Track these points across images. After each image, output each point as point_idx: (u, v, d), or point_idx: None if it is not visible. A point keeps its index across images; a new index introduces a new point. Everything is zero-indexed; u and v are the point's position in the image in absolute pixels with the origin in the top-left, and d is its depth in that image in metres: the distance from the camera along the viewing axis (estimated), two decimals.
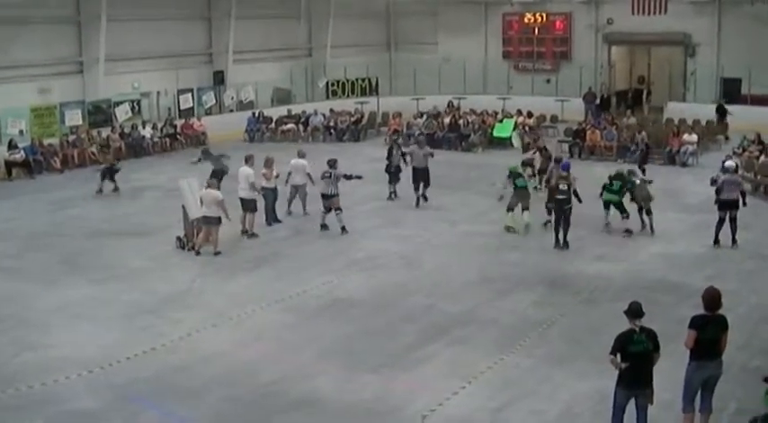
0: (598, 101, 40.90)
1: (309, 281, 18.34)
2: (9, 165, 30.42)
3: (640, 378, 10.62)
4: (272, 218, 23.04)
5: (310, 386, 13.18)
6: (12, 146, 30.54)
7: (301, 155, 23.91)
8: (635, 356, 10.55)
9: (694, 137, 31.83)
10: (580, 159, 32.09)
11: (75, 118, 34.05)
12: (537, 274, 18.56)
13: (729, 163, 22.05)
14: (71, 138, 32.95)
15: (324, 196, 22.37)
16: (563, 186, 20.89)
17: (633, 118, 35.85)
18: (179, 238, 21.02)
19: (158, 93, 37.77)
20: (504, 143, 34.56)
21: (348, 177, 22.75)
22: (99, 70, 34.84)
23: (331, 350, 14.64)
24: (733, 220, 20.35)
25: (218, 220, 20.25)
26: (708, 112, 36.85)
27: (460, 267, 19.25)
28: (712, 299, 10.94)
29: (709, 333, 10.85)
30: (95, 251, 20.89)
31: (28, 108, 32.49)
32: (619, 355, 10.58)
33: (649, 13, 40.47)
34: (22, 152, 30.72)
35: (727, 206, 20.37)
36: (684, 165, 30.31)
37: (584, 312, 16.30)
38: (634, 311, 10.70)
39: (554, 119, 39.57)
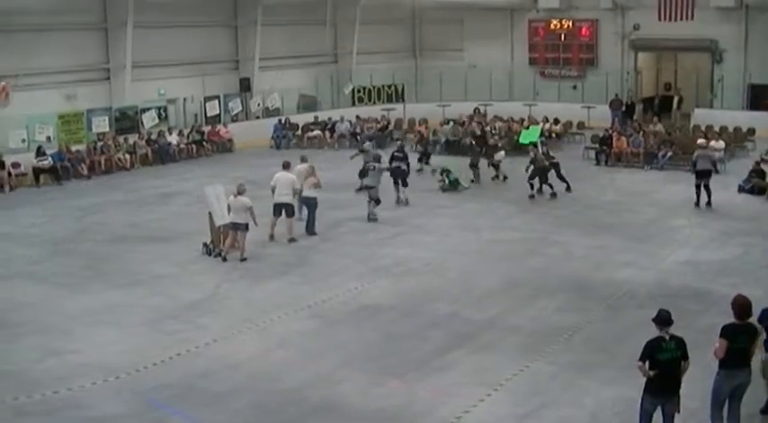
0: (624, 107, 40.77)
1: (335, 287, 18.34)
2: (37, 171, 30.61)
3: (668, 386, 10.52)
4: (313, 228, 22.95)
5: (335, 392, 13.16)
6: (40, 152, 30.75)
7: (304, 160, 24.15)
8: (663, 364, 10.45)
9: (721, 143, 31.60)
10: (607, 166, 32.01)
11: (102, 124, 34.24)
12: (562, 281, 18.47)
13: (701, 141, 28.17)
14: (98, 144, 33.16)
15: (368, 187, 24.16)
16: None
17: (660, 125, 35.67)
18: (205, 244, 21.09)
19: (185, 99, 37.91)
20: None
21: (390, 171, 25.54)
22: (126, 77, 34.98)
23: (356, 356, 14.62)
24: (707, 187, 25.05)
25: (246, 226, 20.34)
26: (735, 118, 36.67)
27: (485, 274, 19.18)
28: (742, 307, 10.81)
29: (739, 342, 10.73)
30: (121, 256, 20.98)
31: (55, 115, 32.73)
32: (647, 363, 10.49)
33: (676, 20, 40.06)
34: (50, 159, 30.92)
35: (701, 175, 25.09)
36: None
37: (610, 319, 16.19)
38: (663, 319, 10.60)
39: (581, 125, 39.39)
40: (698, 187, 25.12)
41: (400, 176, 26.16)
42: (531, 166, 27.14)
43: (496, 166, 29.80)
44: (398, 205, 25.92)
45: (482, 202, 26.58)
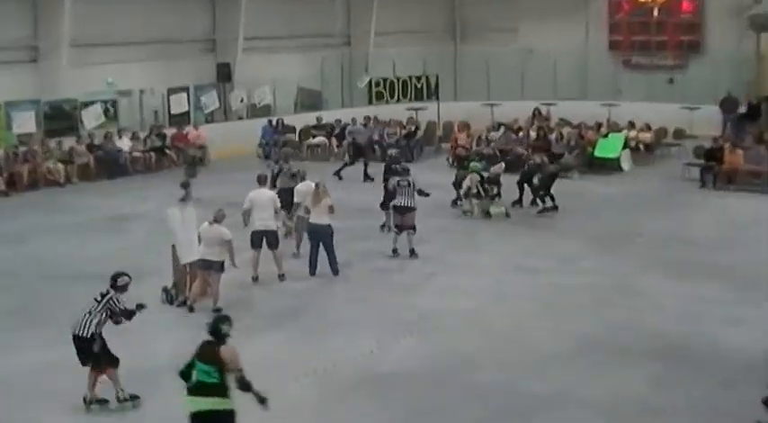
0: (742, 109, 40.61)
1: (343, 347, 18.33)
2: None
3: None
4: (336, 264, 23.07)
5: None
6: None
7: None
8: None
9: None
10: (715, 189, 31.97)
11: (26, 123, 34.38)
12: (651, 343, 18.40)
13: None
14: (21, 150, 33.28)
15: (398, 209, 24.23)
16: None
17: None
18: (166, 290, 21.05)
19: (141, 91, 38.14)
20: (610, 166, 34.54)
21: (420, 193, 24.93)
22: (60, 59, 35.14)
23: None
24: None
25: (221, 265, 20.27)
26: None
27: (545, 331, 19.16)
28: None
29: None
30: (54, 302, 20.85)
31: None
32: None
33: None
34: None
35: None
36: None
37: (717, 397, 16.10)
38: None
39: (679, 133, 39.36)
40: None
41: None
42: (539, 175, 29.06)
43: (496, 182, 29.79)
44: (383, 231, 26.44)
45: (538, 234, 26.88)
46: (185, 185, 24.49)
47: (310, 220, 22.88)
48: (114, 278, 16.16)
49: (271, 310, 20.62)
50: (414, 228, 24.25)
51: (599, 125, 38.03)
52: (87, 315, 15.61)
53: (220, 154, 37.34)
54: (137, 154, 35.99)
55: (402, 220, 24.21)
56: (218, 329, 12.82)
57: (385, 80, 43.27)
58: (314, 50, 43.65)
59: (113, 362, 15.71)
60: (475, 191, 28.48)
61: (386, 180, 26.62)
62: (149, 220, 27.16)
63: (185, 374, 12.91)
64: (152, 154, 36.41)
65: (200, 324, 19.23)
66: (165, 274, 21.42)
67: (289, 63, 42.36)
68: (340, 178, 30.12)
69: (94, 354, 15.44)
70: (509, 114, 40.34)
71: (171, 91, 38.88)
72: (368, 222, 26.38)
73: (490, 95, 43.97)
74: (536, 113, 40.71)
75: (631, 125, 37.21)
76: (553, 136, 36.76)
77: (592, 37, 46.56)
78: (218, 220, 20.34)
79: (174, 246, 21.14)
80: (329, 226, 22.65)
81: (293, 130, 39.82)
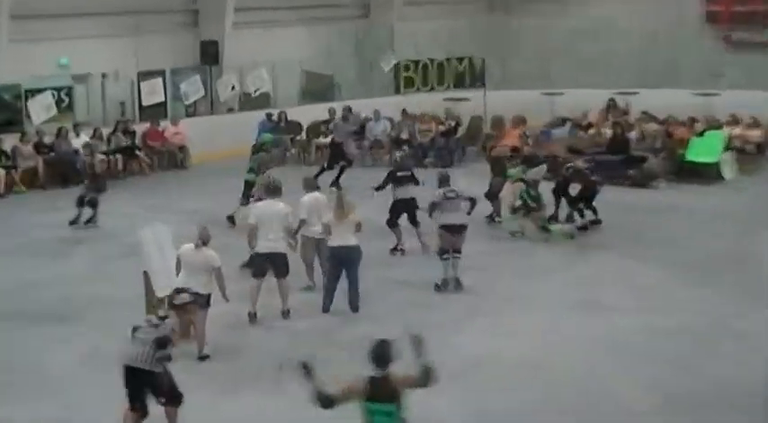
0: None
1: None
2: None
3: None
4: (357, 299, 23.05)
5: None
6: None
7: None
8: None
9: None
10: None
11: None
12: (757, 396, 18.39)
13: None
14: None
15: (450, 229, 23.97)
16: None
17: None
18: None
19: (104, 76, 38.22)
20: (707, 172, 34.54)
21: (472, 203, 24.91)
22: None
23: None
24: None
25: (208, 300, 20.15)
26: None
27: (622, 383, 19.17)
28: None
29: None
30: None
31: None
32: None
33: None
34: None
35: None
36: None
37: None
38: None
39: None
40: None
41: (407, 210, 26.71)
42: (579, 185, 29.43)
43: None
44: (396, 255, 26.96)
45: (611, 259, 27.02)
46: (92, 203, 24.32)
47: (331, 243, 22.59)
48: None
49: (271, 359, 20.28)
50: (460, 250, 24.23)
51: (693, 120, 38.00)
52: (145, 345, 15.75)
53: (204, 156, 37.43)
54: (98, 156, 35.99)
55: (453, 241, 24.06)
56: (387, 355, 12.91)
57: (416, 63, 43.34)
58: (323, 24, 43.73)
59: (179, 398, 16.07)
60: (520, 203, 28.54)
61: (380, 188, 27.12)
62: (114, 241, 27.29)
63: (326, 401, 13.33)
64: (118, 156, 36.49)
65: (182, 372, 19.65)
66: (133, 310, 21.01)
67: (291, 40, 42.46)
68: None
69: (155, 389, 15.68)
70: (575, 107, 40.47)
71: (142, 76, 38.96)
72: (380, 244, 26.60)
73: (551, 83, 43.97)
74: (611, 106, 40.79)
75: (735, 120, 37.21)
76: (633, 134, 36.83)
77: (683, 7, 46.51)
78: (204, 241, 20.12)
79: (146, 273, 21.13)
80: (358, 248, 22.57)
81: (299, 126, 39.86)
